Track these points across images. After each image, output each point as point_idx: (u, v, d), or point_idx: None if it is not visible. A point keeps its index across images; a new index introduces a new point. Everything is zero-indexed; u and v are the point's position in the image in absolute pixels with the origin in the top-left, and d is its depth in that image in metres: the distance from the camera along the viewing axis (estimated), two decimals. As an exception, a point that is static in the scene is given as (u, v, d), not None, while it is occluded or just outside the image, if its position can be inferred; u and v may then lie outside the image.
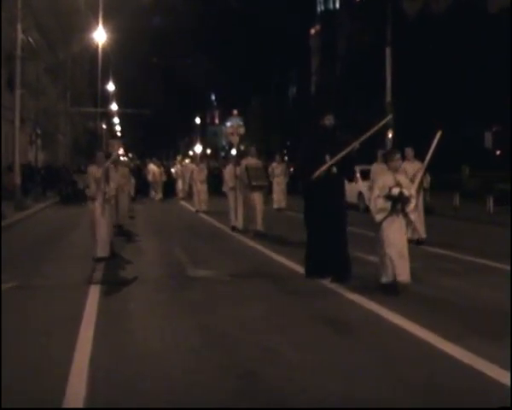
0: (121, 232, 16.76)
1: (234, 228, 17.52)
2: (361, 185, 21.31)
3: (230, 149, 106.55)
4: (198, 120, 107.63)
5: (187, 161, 37.48)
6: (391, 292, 8.52)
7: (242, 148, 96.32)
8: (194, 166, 28.33)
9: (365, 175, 25.78)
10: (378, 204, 8.79)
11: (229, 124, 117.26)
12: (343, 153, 9.46)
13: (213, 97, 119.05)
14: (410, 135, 34.40)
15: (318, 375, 5.62)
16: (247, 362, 5.98)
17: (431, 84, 38.95)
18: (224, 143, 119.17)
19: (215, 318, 7.75)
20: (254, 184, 16.26)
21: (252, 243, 14.89)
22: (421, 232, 14.24)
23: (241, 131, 19.47)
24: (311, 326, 7.34)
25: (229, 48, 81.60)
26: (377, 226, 8.87)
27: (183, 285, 9.88)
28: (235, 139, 19.52)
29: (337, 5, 74.31)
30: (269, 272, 10.95)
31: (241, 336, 6.92)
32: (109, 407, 4.98)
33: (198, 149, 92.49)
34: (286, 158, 58.31)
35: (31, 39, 36.32)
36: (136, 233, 17.26)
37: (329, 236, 9.55)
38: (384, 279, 8.72)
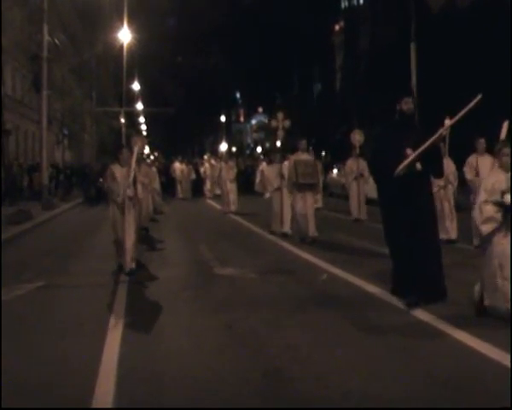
0: (145, 237, 15.69)
1: (273, 233, 15.98)
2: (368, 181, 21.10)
3: (255, 147, 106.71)
4: (223, 118, 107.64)
5: (213, 161, 36.28)
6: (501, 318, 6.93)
7: (267, 145, 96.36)
8: (222, 164, 26.37)
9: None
10: (485, 212, 7.00)
11: (254, 121, 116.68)
12: (428, 143, 7.76)
13: (238, 95, 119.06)
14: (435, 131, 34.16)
15: (344, 374, 5.60)
16: (272, 360, 6.00)
17: (456, 79, 38.61)
18: (249, 140, 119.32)
19: (241, 315, 7.77)
20: (302, 181, 14.51)
21: (286, 245, 14.12)
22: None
23: (287, 124, 17.34)
24: (339, 325, 7.29)
25: (253, 45, 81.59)
26: (484, 239, 7.21)
27: (209, 283, 9.96)
28: (281, 134, 17.54)
29: (361, 1, 74.01)
30: (294, 270, 11.02)
31: (267, 334, 6.94)
32: (136, 405, 5.02)
33: (223, 147, 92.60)
34: (323, 154, 58.03)
35: (56, 40, 36.67)
36: (159, 239, 15.90)
37: (420, 247, 7.87)
38: (489, 302, 7.12)
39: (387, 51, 46.27)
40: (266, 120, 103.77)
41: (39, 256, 13.37)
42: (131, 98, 66.02)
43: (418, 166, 7.87)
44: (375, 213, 19.33)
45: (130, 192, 10.59)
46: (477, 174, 12.95)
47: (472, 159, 13.35)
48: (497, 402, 4.85)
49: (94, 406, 4.94)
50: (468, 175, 13.29)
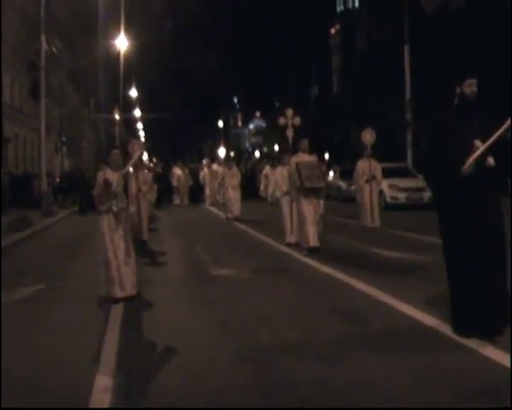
0: (143, 251, 14.16)
1: (290, 245, 14.31)
2: (381, 183, 20.63)
3: (254, 151, 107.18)
4: (221, 123, 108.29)
5: (215, 166, 34.64)
6: None
7: (265, 150, 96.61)
8: (225, 170, 24.98)
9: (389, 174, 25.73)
10: None
11: (252, 126, 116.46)
12: (498, 133, 6.14)
13: (236, 100, 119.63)
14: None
15: (329, 365, 5.87)
16: (261, 351, 6.32)
17: (451, 81, 38.88)
18: (247, 145, 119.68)
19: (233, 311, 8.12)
20: (308, 185, 13.11)
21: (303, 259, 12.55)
22: None
23: (297, 121, 15.94)
24: (326, 319, 7.62)
25: (249, 50, 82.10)
26: None
27: (206, 283, 10.31)
28: (290, 132, 16.00)
29: (356, 4, 74.47)
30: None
31: (257, 326, 7.29)
32: (133, 398, 5.26)
33: (222, 152, 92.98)
34: (327, 157, 58.10)
35: (54, 48, 37.09)
36: (160, 251, 14.57)
37: (487, 266, 6.23)
38: None
39: (383, 53, 46.62)
40: (264, 125, 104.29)
41: (40, 261, 13.73)
42: (129, 105, 66.42)
43: (490, 160, 6.25)
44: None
45: (120, 203, 9.07)
46: None
47: None
48: None
49: (93, 397, 5.18)
50: None
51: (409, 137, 31.36)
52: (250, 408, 4.95)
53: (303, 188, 13.11)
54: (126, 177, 9.26)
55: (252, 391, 5.28)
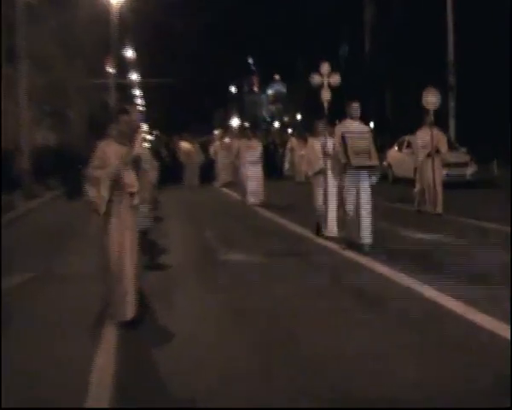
0: (145, 246, 11.47)
1: (327, 237, 13.64)
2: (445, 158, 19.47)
3: (273, 121, 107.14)
4: (234, 89, 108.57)
5: (227, 138, 33.95)
6: None
7: (286, 119, 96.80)
8: (242, 141, 23.79)
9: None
10: None
11: (270, 91, 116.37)
12: None
13: (251, 61, 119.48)
14: (473, 103, 34.72)
15: (340, 341, 6.84)
16: (273, 332, 7.28)
17: (497, 42, 38.95)
18: (264, 113, 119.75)
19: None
20: (356, 163, 12.00)
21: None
22: None
23: (335, 80, 14.57)
24: (339, 297, 8.64)
25: (267, 2, 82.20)
26: None
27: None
28: (327, 94, 14.51)
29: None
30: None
31: (271, 310, 8.24)
32: (137, 385, 5.99)
33: (235, 122, 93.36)
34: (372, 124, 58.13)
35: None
36: (163, 246, 13.19)
37: None
38: None
39: (423, 8, 46.81)
40: (285, 89, 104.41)
41: (26, 247, 14.55)
42: (124, 67, 66.83)
43: None
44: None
45: (129, 188, 7.83)
46: None
47: None
48: None
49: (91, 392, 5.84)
50: None
51: (451, 104, 31.62)
52: (261, 395, 5.65)
53: (350, 166, 12.07)
54: (138, 155, 8.19)
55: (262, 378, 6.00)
